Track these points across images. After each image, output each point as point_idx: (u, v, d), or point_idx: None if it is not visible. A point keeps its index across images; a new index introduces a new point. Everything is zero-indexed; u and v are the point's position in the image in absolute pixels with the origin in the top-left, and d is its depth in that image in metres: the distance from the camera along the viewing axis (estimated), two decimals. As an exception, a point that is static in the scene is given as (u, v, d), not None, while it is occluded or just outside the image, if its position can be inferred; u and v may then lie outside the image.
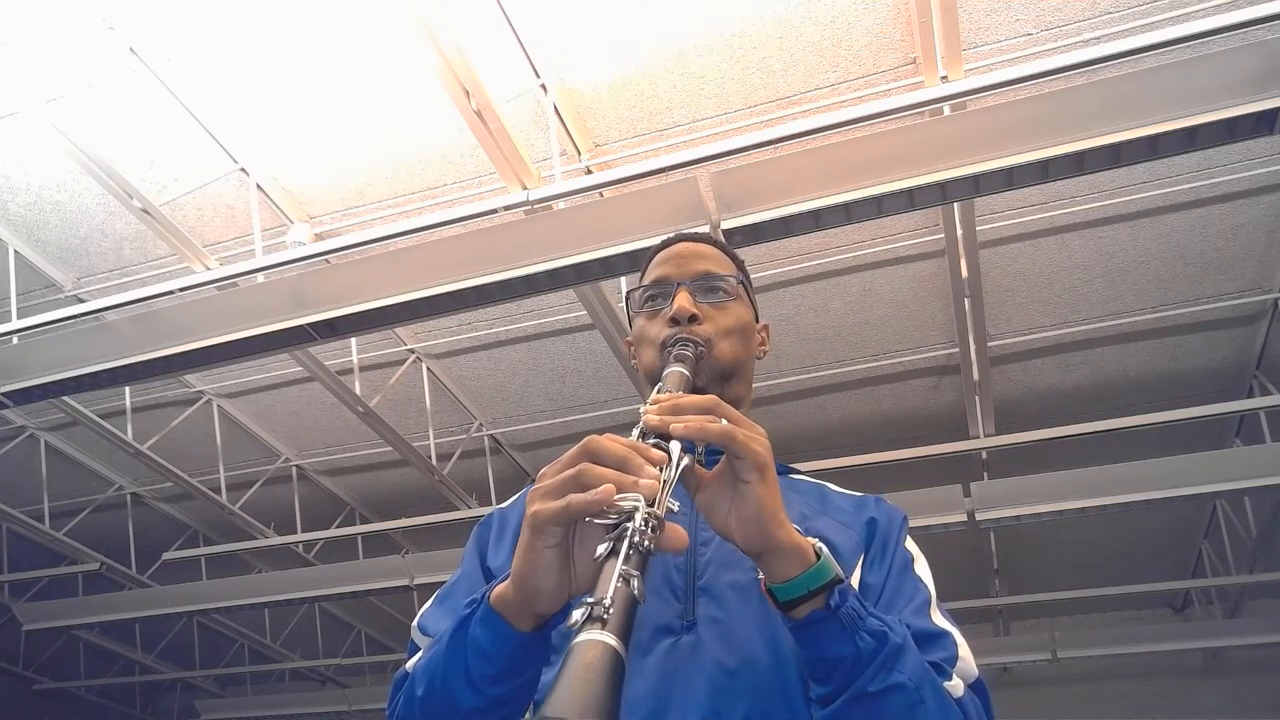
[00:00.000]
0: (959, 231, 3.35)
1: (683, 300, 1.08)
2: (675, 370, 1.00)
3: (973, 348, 3.88)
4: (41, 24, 2.88)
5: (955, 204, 3.19)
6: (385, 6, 2.64)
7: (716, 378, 1.07)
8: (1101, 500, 3.97)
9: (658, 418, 0.80)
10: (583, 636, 0.59)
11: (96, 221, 3.69)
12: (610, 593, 0.62)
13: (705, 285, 1.12)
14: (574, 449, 0.77)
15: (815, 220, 2.71)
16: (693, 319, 1.07)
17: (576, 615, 0.61)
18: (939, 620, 0.95)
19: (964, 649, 0.92)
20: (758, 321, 1.20)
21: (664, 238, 1.23)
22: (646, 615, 0.91)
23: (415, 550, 5.58)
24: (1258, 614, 5.57)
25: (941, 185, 2.57)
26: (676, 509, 0.73)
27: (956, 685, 0.87)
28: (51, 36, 2.92)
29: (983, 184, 2.58)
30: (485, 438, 4.98)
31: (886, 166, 2.58)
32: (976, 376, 4.01)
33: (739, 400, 1.11)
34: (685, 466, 0.80)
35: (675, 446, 0.79)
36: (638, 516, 0.69)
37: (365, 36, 2.96)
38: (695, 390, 1.00)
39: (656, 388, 0.97)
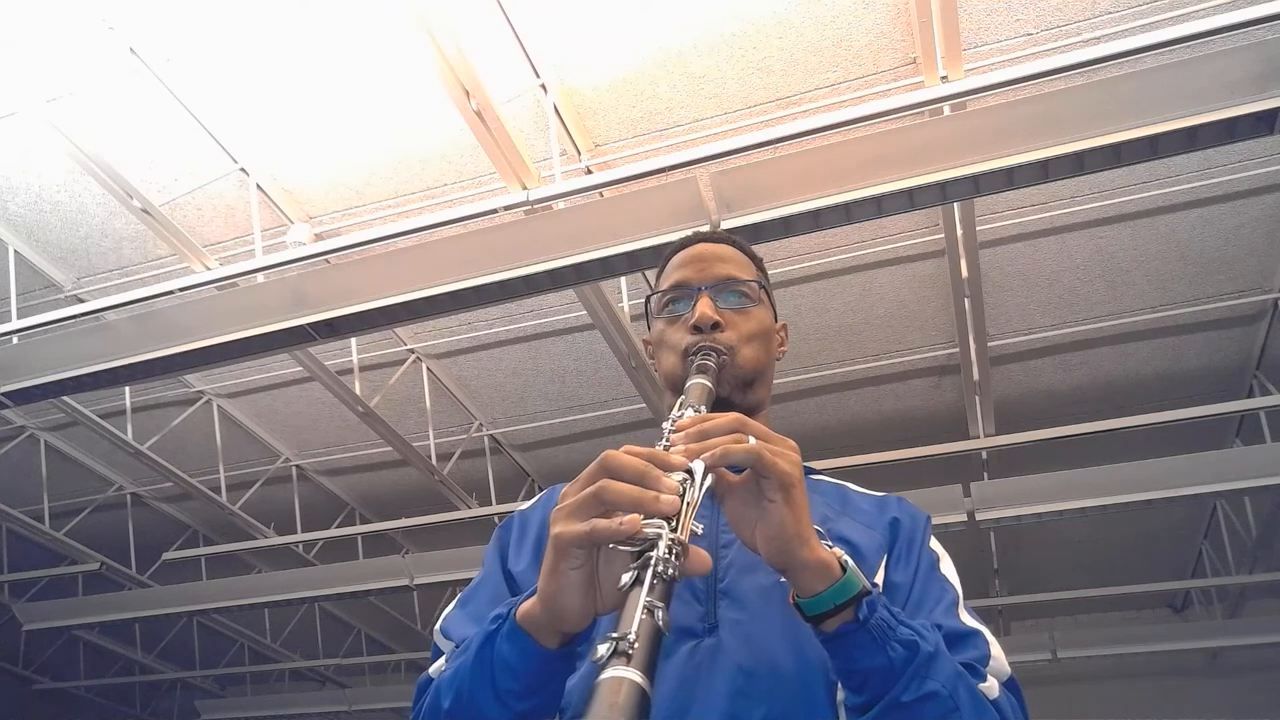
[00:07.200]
0: (959, 231, 3.35)
1: (705, 307, 1.07)
2: (697, 383, 0.99)
3: (973, 348, 3.88)
4: (41, 24, 2.88)
5: (955, 204, 3.19)
6: (385, 6, 2.64)
7: (739, 385, 1.06)
8: (1101, 500, 3.97)
9: (684, 447, 0.79)
10: (608, 673, 0.58)
11: (96, 221, 3.69)
12: (635, 626, 0.61)
13: (727, 290, 1.11)
14: (592, 465, 0.76)
15: (815, 220, 2.71)
16: (715, 326, 1.06)
17: (601, 650, 0.60)
18: (968, 620, 0.94)
19: (995, 647, 0.92)
20: (776, 321, 1.19)
21: (682, 236, 1.21)
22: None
23: (415, 550, 5.59)
24: (1258, 614, 5.57)
25: (941, 185, 2.57)
26: (701, 531, 0.72)
27: (991, 686, 0.87)
28: (51, 36, 2.92)
29: (983, 184, 2.58)
30: (485, 438, 4.97)
31: (886, 166, 2.57)
32: (976, 376, 4.01)
33: (760, 404, 1.10)
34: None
35: (699, 465, 0.77)
36: (661, 545, 0.68)
37: (365, 36, 2.96)
38: (718, 401, 1.00)
39: (678, 401, 0.96)
